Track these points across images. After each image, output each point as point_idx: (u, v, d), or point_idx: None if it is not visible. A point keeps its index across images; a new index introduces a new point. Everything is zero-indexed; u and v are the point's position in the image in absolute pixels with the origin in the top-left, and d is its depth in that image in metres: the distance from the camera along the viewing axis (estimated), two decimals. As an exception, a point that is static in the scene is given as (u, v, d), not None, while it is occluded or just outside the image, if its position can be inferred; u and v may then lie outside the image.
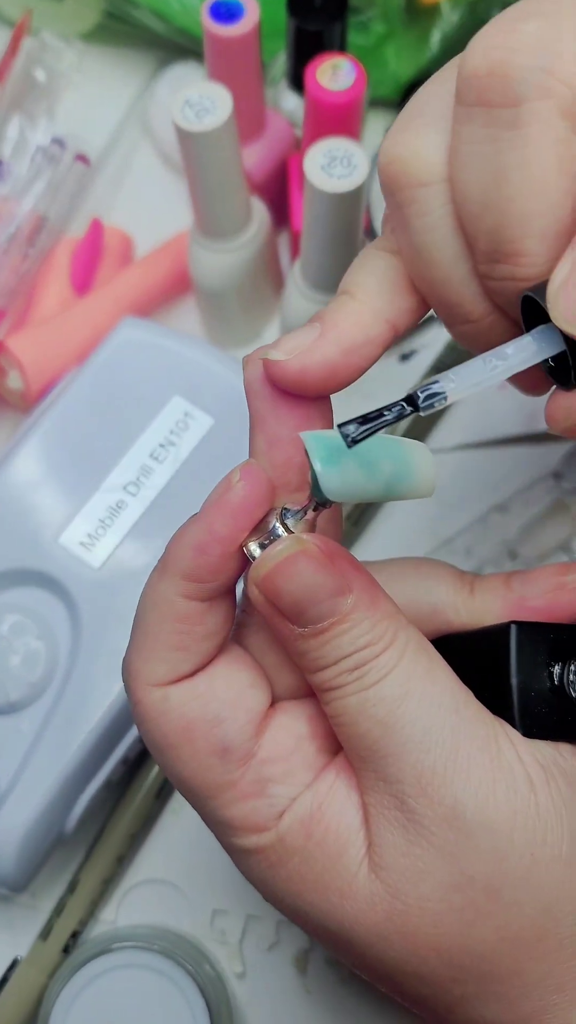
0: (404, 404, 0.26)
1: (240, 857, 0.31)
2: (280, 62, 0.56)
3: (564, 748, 0.30)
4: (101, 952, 0.43)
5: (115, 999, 0.43)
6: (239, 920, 0.48)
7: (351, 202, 0.43)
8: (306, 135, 0.48)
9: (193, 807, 0.31)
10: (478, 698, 0.30)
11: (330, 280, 0.48)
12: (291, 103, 0.55)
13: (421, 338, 0.57)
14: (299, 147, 0.53)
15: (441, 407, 0.26)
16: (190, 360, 0.49)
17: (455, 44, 0.57)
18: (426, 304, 0.31)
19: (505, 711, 0.30)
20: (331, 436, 0.28)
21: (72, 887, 0.47)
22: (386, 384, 0.56)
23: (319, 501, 0.29)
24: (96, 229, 0.56)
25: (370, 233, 0.57)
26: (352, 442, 0.26)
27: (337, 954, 0.31)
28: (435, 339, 0.56)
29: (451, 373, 0.26)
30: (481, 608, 0.33)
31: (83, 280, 0.55)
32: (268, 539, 0.29)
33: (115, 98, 0.61)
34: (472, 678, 0.30)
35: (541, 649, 0.31)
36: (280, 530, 0.29)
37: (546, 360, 0.27)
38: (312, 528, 0.30)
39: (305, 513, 0.29)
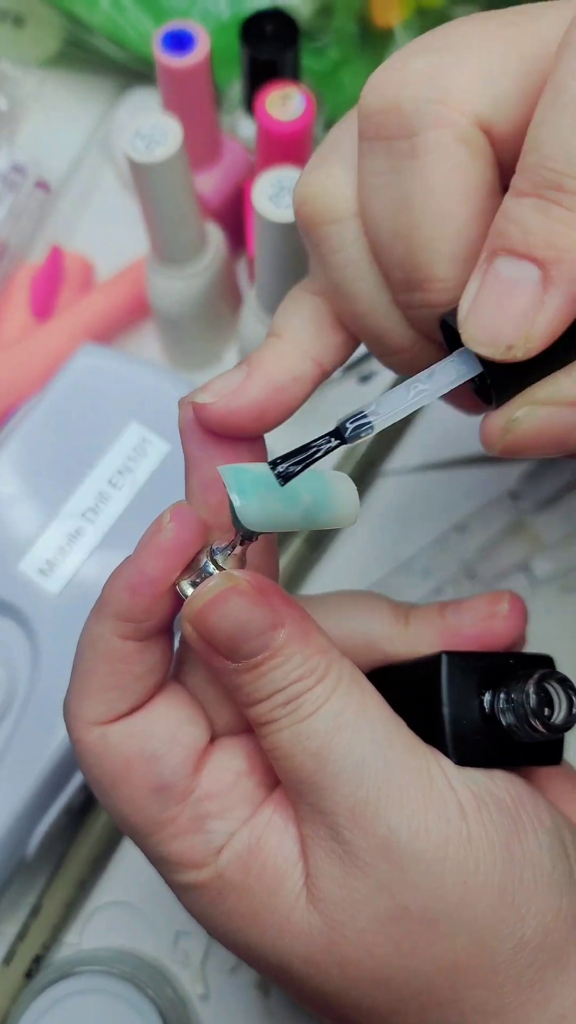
0: (331, 437, 0.27)
1: (182, 893, 0.31)
2: (236, 88, 0.56)
3: (498, 775, 0.31)
4: (62, 976, 0.44)
5: (76, 1023, 0.43)
6: (201, 942, 0.48)
7: (298, 231, 0.43)
8: (258, 162, 0.49)
9: (135, 844, 0.32)
10: (413, 728, 0.30)
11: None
12: (247, 129, 0.55)
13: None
14: (255, 173, 0.54)
15: (368, 436, 0.27)
16: (147, 386, 0.49)
17: (410, 69, 0.57)
18: (354, 340, 0.31)
19: (438, 740, 0.30)
20: (249, 469, 0.28)
21: (35, 911, 0.47)
22: (346, 406, 0.56)
23: (243, 534, 0.29)
24: (56, 256, 0.56)
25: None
26: (283, 479, 0.27)
27: (280, 986, 0.31)
28: (393, 361, 0.57)
29: (375, 403, 0.27)
30: (416, 639, 0.33)
31: (43, 306, 0.55)
32: (200, 577, 0.29)
33: (76, 124, 0.62)
34: (407, 709, 0.31)
35: (472, 678, 0.31)
36: (211, 568, 0.30)
37: (473, 380, 0.27)
38: (242, 563, 0.30)
39: (233, 548, 0.30)
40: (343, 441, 0.26)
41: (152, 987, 0.44)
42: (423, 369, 0.29)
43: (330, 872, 0.29)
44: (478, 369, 0.27)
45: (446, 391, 0.27)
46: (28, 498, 0.48)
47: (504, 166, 0.27)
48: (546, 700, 0.30)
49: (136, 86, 0.61)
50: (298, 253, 0.45)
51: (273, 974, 0.31)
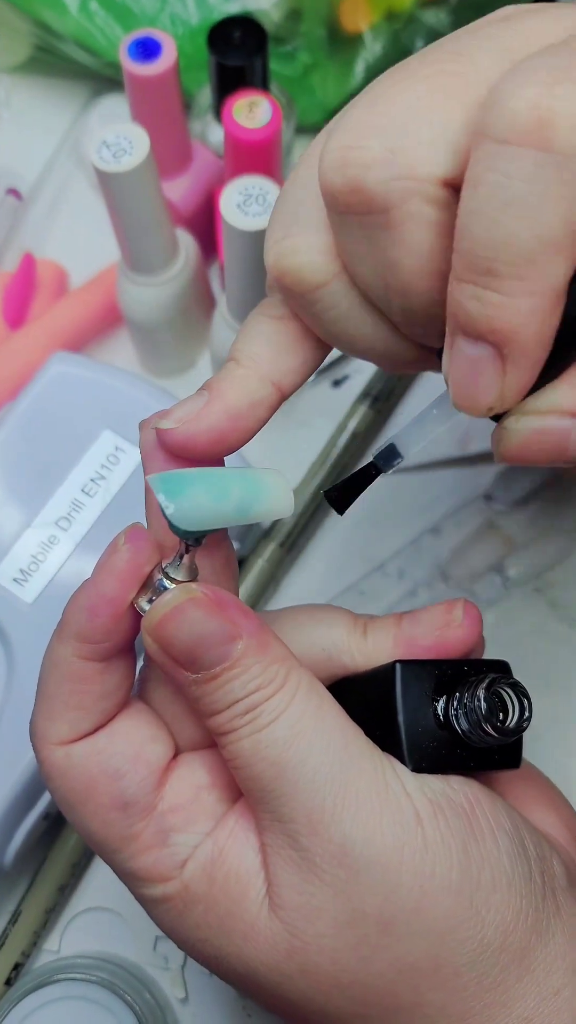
0: (369, 471, 0.30)
1: (149, 906, 0.32)
2: (206, 94, 0.56)
3: (455, 780, 0.31)
4: (41, 984, 0.44)
5: (55, 1031, 0.43)
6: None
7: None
8: (227, 169, 0.49)
9: (103, 859, 0.32)
10: (372, 737, 0.31)
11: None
12: (218, 135, 0.55)
13: (353, 364, 0.57)
14: (224, 180, 0.54)
15: (400, 465, 0.30)
16: (120, 394, 0.49)
17: (378, 72, 0.57)
18: (313, 362, 0.32)
19: (396, 748, 0.31)
20: (177, 473, 0.29)
21: (14, 918, 0.48)
22: (320, 410, 0.56)
23: (185, 540, 0.29)
24: (28, 263, 0.56)
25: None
26: (340, 507, 0.31)
27: (249, 995, 0.32)
28: (366, 365, 0.57)
29: (406, 435, 0.30)
30: (374, 650, 0.34)
31: (16, 315, 0.55)
32: (157, 594, 0.30)
33: (46, 131, 0.62)
34: (366, 718, 0.31)
35: (426, 686, 0.32)
36: (165, 583, 0.30)
37: None
38: (194, 573, 0.31)
39: (181, 558, 0.30)
40: (379, 473, 0.30)
41: (131, 992, 0.44)
42: (432, 368, 0.31)
43: (289, 880, 0.29)
44: None
45: (458, 415, 0.29)
46: (1, 507, 0.48)
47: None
48: (500, 705, 0.31)
49: (107, 92, 0.61)
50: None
51: (241, 982, 0.31)
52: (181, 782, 0.31)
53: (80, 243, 0.59)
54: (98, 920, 0.49)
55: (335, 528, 0.55)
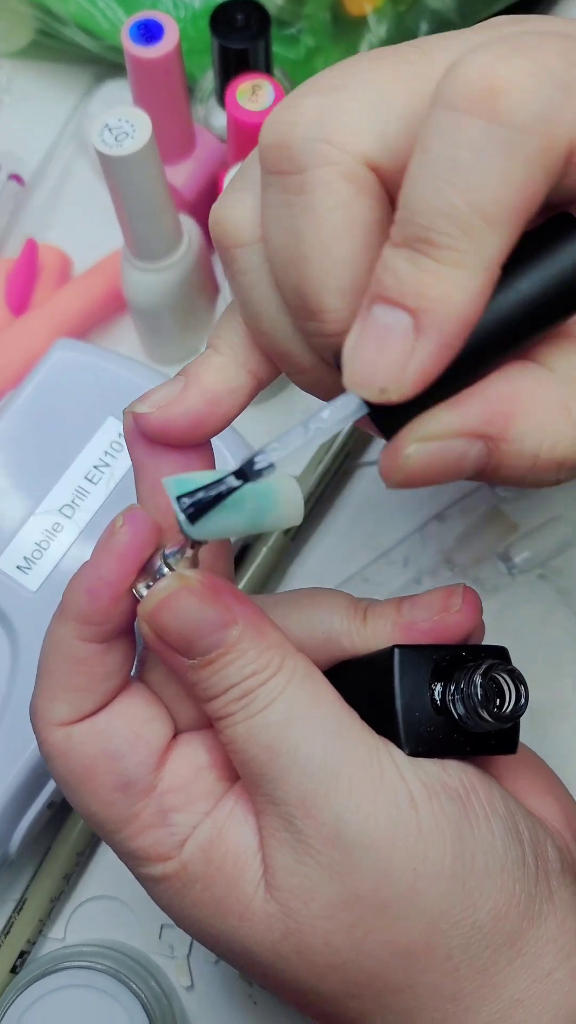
0: (234, 476, 0.28)
1: (149, 886, 0.32)
2: (209, 79, 0.56)
3: (450, 765, 0.31)
4: (46, 972, 0.44)
5: (60, 1019, 0.43)
6: (182, 930, 0.48)
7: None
8: (231, 155, 0.48)
9: (103, 840, 0.32)
10: (369, 721, 0.31)
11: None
12: (221, 120, 0.55)
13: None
14: (228, 165, 0.54)
15: (271, 475, 0.28)
16: (123, 380, 0.49)
17: (383, 56, 0.57)
18: None
19: (392, 732, 0.31)
20: (191, 479, 0.28)
21: (19, 906, 0.48)
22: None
23: (192, 541, 0.30)
24: (31, 249, 0.56)
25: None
26: (191, 518, 0.28)
27: (247, 975, 0.32)
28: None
29: (275, 442, 0.28)
30: (373, 634, 0.34)
31: (19, 301, 0.55)
32: (155, 579, 0.30)
33: (49, 116, 0.61)
34: (363, 702, 0.31)
35: (423, 671, 0.32)
36: (164, 570, 0.30)
37: (369, 413, 0.28)
38: (195, 564, 0.31)
39: (184, 552, 0.30)
40: (247, 479, 0.27)
41: (136, 981, 0.44)
42: (326, 388, 0.30)
43: (284, 861, 0.30)
44: (366, 407, 0.27)
45: (342, 427, 0.28)
46: (5, 494, 0.48)
47: (396, 201, 0.28)
48: (497, 690, 0.31)
49: (110, 77, 0.61)
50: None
51: (239, 962, 0.32)
52: (180, 762, 0.32)
53: (83, 229, 0.59)
54: (103, 908, 0.49)
55: (340, 516, 0.54)
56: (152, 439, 0.31)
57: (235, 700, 0.30)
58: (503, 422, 0.27)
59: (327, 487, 0.53)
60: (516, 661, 0.51)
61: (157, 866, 0.31)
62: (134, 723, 0.31)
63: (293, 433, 0.28)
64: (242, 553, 0.52)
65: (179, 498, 0.28)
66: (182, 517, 0.28)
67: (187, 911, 0.31)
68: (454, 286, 0.25)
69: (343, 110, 0.27)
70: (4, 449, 0.48)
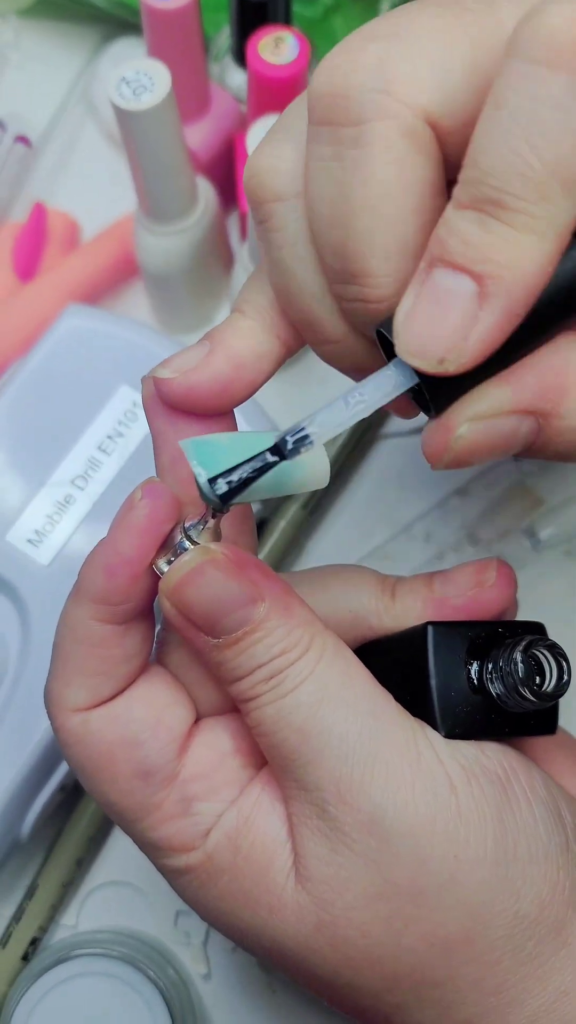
0: (269, 454, 0.26)
1: (172, 877, 0.31)
2: (225, 36, 0.54)
3: (489, 747, 0.30)
4: (60, 960, 0.42)
5: (75, 1007, 0.42)
6: (202, 921, 0.47)
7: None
8: (250, 112, 0.47)
9: (122, 829, 0.31)
10: (401, 702, 0.30)
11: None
12: (237, 79, 0.53)
13: (377, 319, 0.55)
14: (246, 124, 0.52)
15: (308, 451, 0.26)
16: (136, 347, 0.47)
17: (405, 14, 0.55)
18: None
19: (427, 713, 0.30)
20: (211, 440, 0.27)
21: (31, 892, 0.46)
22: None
23: (213, 507, 0.28)
24: (39, 213, 0.54)
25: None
26: (223, 499, 0.26)
27: (275, 968, 0.31)
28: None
29: (316, 416, 0.26)
30: (403, 611, 0.33)
31: (27, 266, 0.53)
32: (176, 554, 0.29)
33: (57, 76, 0.59)
34: (395, 682, 0.30)
35: (459, 649, 0.30)
36: (186, 543, 0.29)
37: (411, 389, 0.27)
38: (218, 537, 0.29)
39: (205, 523, 0.29)
40: (283, 457, 0.26)
41: (153, 968, 0.43)
42: (352, 362, 0.29)
43: (317, 851, 0.28)
44: (414, 379, 0.26)
45: (385, 402, 0.26)
46: (15, 466, 0.46)
47: (451, 160, 0.26)
48: (537, 668, 0.30)
49: (120, 36, 0.59)
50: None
51: (268, 955, 0.30)
52: (203, 749, 0.30)
53: (92, 193, 0.57)
54: (116, 894, 0.47)
55: (359, 490, 0.53)
56: (174, 407, 0.29)
57: (263, 681, 0.28)
58: (556, 396, 0.26)
59: (346, 460, 0.52)
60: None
61: (181, 857, 0.30)
62: (154, 708, 0.30)
63: (333, 408, 0.26)
64: (259, 528, 0.50)
65: (211, 481, 0.26)
66: (203, 481, 0.26)
67: (213, 904, 0.30)
68: (524, 252, 0.23)
69: (405, 59, 0.25)
70: (13, 419, 0.46)
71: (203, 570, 0.28)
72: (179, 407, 0.29)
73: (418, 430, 0.53)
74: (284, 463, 0.26)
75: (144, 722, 0.30)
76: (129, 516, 0.29)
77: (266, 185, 0.28)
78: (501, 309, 0.24)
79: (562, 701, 0.48)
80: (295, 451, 0.26)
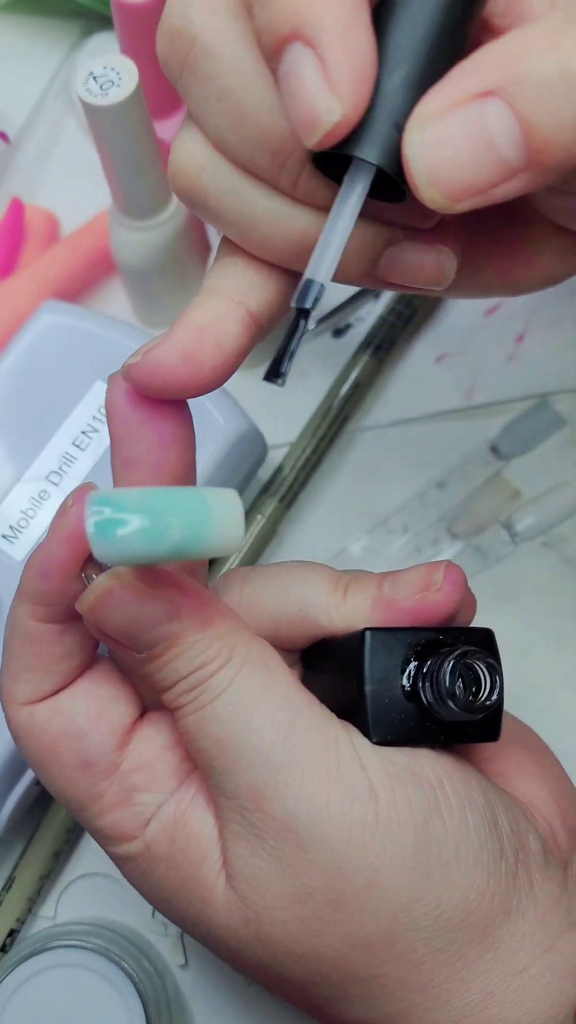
0: (298, 321, 0.26)
1: (119, 864, 0.32)
2: (200, 30, 0.54)
3: (423, 753, 0.30)
4: (36, 951, 0.43)
5: (50, 998, 0.42)
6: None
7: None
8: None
9: (75, 818, 0.32)
10: (341, 706, 0.30)
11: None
12: (212, 72, 0.53)
13: (355, 312, 0.55)
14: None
15: (322, 296, 0.25)
16: (112, 343, 0.47)
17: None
18: (279, 280, 0.29)
19: (362, 719, 0.30)
20: (116, 497, 0.26)
21: (8, 884, 0.46)
22: (321, 361, 0.55)
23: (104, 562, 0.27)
24: (16, 209, 0.54)
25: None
26: (281, 377, 0.26)
27: (217, 955, 0.31)
28: (368, 313, 0.55)
29: (310, 266, 0.26)
30: (353, 611, 0.32)
31: (5, 263, 0.53)
32: (102, 567, 0.29)
33: (35, 72, 0.59)
34: (336, 685, 0.30)
35: (396, 655, 0.30)
36: None
37: (373, 189, 0.25)
38: None
39: None
40: (306, 313, 0.25)
41: (128, 960, 0.43)
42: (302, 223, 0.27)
43: (240, 852, 0.29)
44: (372, 173, 0.25)
45: (358, 207, 0.25)
46: (-10, 461, 0.46)
47: None
48: (474, 678, 0.29)
49: (97, 31, 0.59)
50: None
51: (206, 944, 0.31)
52: (145, 742, 0.31)
53: (71, 189, 0.57)
54: (94, 886, 0.48)
55: (337, 482, 0.53)
56: (146, 392, 0.28)
57: (185, 692, 0.29)
58: (509, 64, 0.22)
59: (324, 453, 0.52)
60: (520, 630, 0.50)
61: (122, 845, 0.31)
62: (96, 702, 0.31)
63: (320, 246, 0.25)
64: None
65: (266, 376, 0.26)
66: (93, 543, 0.26)
67: (154, 891, 0.31)
68: None
69: None
70: (-11, 415, 0.47)
71: (112, 593, 0.28)
72: (152, 391, 0.28)
73: (395, 423, 0.54)
74: (194, 527, 0.26)
75: (86, 715, 0.31)
76: (60, 522, 0.29)
77: (185, 168, 0.27)
78: (327, 43, 0.22)
79: (547, 696, 0.49)
80: (316, 301, 0.25)
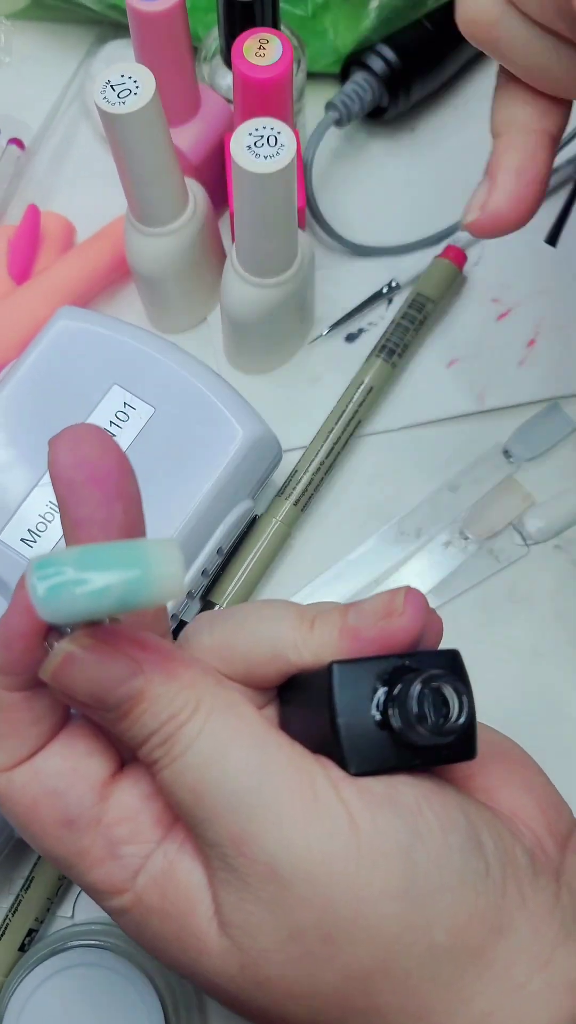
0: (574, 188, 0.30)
1: (115, 918, 0.31)
2: (214, 37, 0.54)
3: (401, 780, 0.30)
4: (55, 951, 0.43)
5: (69, 997, 0.43)
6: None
7: (279, 183, 0.42)
8: (237, 113, 0.47)
9: (68, 877, 0.32)
10: (317, 740, 0.30)
11: (265, 263, 0.47)
12: (227, 80, 0.54)
13: (368, 317, 0.56)
14: (235, 126, 0.52)
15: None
16: (128, 348, 0.48)
17: (393, 15, 0.55)
18: (566, 101, 0.34)
19: (338, 752, 0.30)
20: (58, 556, 0.26)
21: (27, 884, 0.47)
22: (334, 365, 0.55)
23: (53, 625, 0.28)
24: (33, 215, 0.54)
25: (310, 211, 0.56)
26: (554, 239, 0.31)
27: (222, 1005, 0.32)
28: (380, 318, 0.56)
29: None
30: (320, 643, 0.32)
31: (21, 269, 0.54)
32: (61, 634, 0.29)
33: (50, 78, 0.60)
34: (309, 721, 0.30)
35: (364, 685, 0.30)
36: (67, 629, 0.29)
37: None
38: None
39: None
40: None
41: (147, 959, 0.43)
42: None
43: (228, 898, 0.29)
44: None
45: None
46: (8, 466, 0.47)
47: None
48: (443, 700, 0.29)
49: (112, 38, 0.59)
50: (279, 207, 0.44)
51: (209, 992, 0.31)
52: (125, 793, 0.31)
53: (87, 195, 0.58)
54: (112, 885, 0.48)
55: (350, 485, 0.53)
56: (79, 472, 0.29)
57: (157, 746, 0.29)
58: None
59: (337, 456, 0.52)
60: (531, 633, 0.50)
61: (115, 899, 0.30)
62: (70, 759, 0.31)
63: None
64: (251, 525, 0.51)
65: (546, 241, 0.30)
66: (36, 604, 0.25)
67: (151, 943, 0.31)
68: None
69: None
70: (7, 420, 0.47)
71: (71, 659, 0.28)
72: (488, 235, 0.34)
73: (409, 426, 0.54)
74: (132, 583, 0.26)
75: (60, 774, 0.30)
76: (20, 593, 0.29)
77: (478, 20, 0.32)
78: None
79: (559, 698, 0.49)
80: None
